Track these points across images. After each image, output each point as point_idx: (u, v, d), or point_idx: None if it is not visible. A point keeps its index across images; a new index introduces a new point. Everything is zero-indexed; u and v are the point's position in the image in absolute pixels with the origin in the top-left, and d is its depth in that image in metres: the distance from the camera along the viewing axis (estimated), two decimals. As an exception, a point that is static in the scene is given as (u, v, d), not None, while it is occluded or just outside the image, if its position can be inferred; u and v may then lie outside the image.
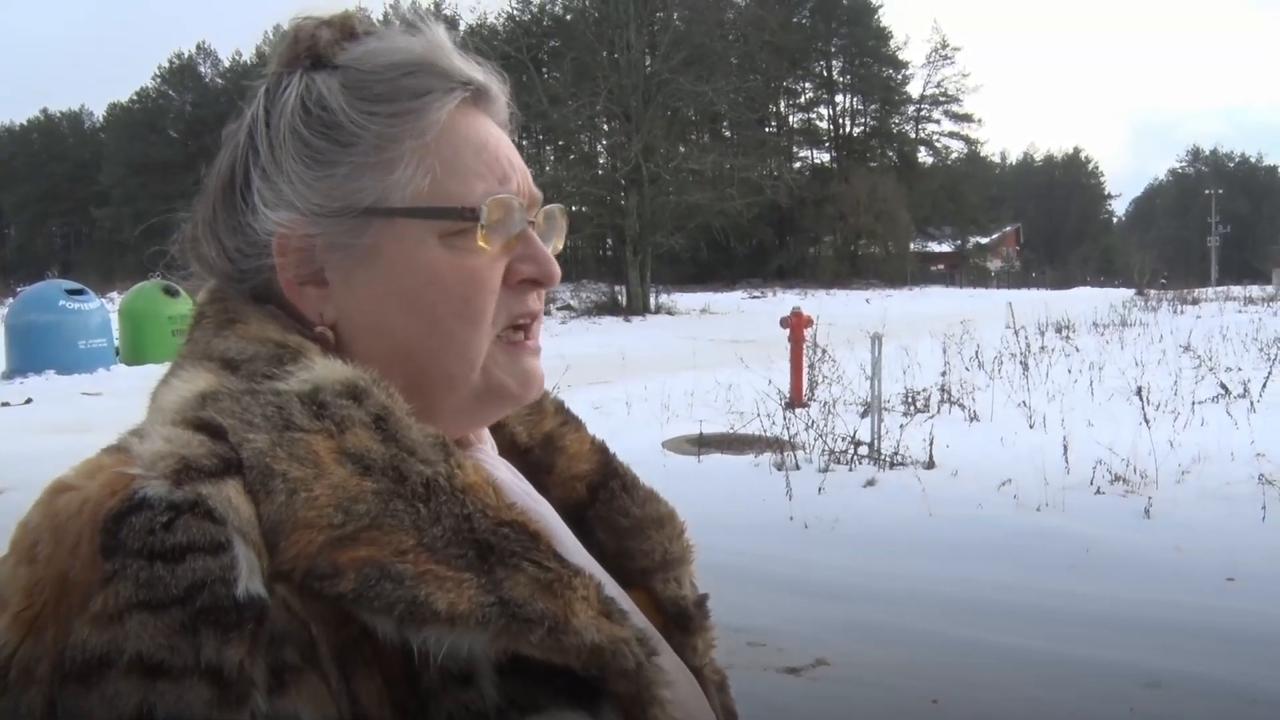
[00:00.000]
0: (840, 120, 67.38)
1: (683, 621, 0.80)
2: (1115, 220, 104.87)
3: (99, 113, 79.60)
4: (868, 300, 33.68)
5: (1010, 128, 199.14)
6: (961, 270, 61.90)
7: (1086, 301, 27.10)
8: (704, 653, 0.81)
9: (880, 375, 7.91)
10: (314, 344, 0.69)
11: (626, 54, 34.67)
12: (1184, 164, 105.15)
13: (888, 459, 7.19)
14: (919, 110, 66.49)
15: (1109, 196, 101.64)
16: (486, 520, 0.63)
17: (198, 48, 72.72)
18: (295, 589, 0.58)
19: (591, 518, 0.82)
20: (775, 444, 7.48)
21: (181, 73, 71.59)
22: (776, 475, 6.78)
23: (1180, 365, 11.65)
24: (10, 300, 19.59)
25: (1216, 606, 4.59)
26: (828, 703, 3.82)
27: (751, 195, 35.68)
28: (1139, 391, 8.30)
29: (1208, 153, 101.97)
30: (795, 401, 9.48)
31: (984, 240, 66.88)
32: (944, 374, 10.13)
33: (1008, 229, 73.12)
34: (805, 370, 10.07)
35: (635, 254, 33.55)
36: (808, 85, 66.50)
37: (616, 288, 33.89)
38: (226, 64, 71.69)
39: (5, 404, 11.56)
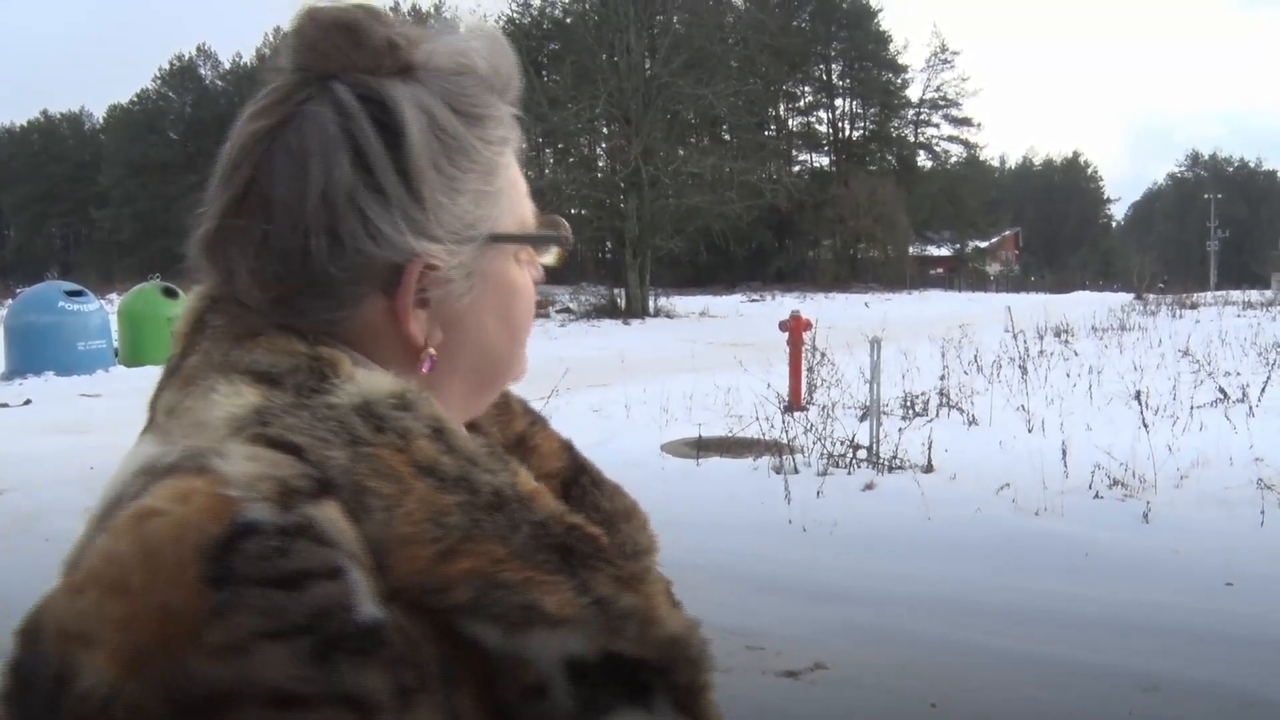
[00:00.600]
0: (840, 124, 67.52)
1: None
2: (1114, 224, 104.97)
3: (99, 114, 79.78)
4: (867, 304, 33.70)
5: (1009, 131, 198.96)
6: (960, 274, 62.01)
7: (1085, 305, 27.15)
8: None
9: (879, 379, 7.91)
10: (344, 355, 0.68)
11: (626, 57, 34.68)
12: (1183, 168, 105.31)
13: (886, 462, 7.19)
14: (918, 114, 66.61)
15: (1108, 200, 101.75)
16: (558, 524, 0.64)
17: (198, 49, 72.86)
18: (403, 609, 0.58)
19: None
20: (774, 447, 7.49)
21: (182, 74, 71.69)
22: (775, 478, 6.78)
23: (1179, 370, 11.67)
24: (9, 301, 19.59)
25: (1215, 610, 4.59)
26: (826, 706, 3.82)
27: (751, 198, 35.66)
28: (1138, 396, 8.31)
29: (1207, 157, 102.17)
30: (794, 405, 9.48)
31: (983, 244, 66.95)
32: (943, 378, 10.13)
33: (1007, 233, 73.17)
34: (804, 374, 10.07)
35: (634, 257, 33.54)
36: (807, 89, 66.63)
37: (615, 290, 33.86)
38: (227, 66, 71.78)
39: (4, 405, 11.54)
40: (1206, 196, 79.41)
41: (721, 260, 50.30)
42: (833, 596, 4.96)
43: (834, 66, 66.40)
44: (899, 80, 65.92)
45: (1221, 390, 9.81)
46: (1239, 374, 11.18)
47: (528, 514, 0.63)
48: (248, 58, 67.88)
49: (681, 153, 38.13)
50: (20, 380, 13.60)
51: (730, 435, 8.25)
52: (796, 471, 7.04)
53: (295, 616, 0.53)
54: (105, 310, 16.02)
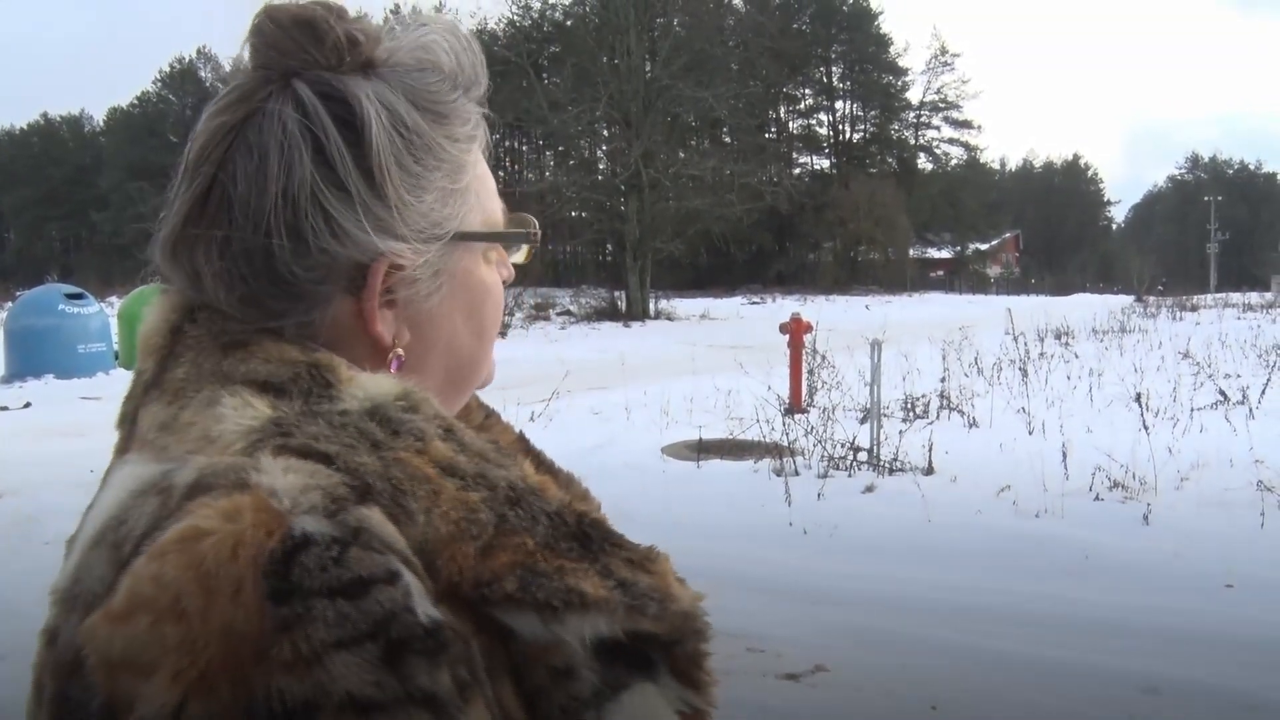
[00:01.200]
0: (840, 126, 67.58)
1: None
2: (1114, 227, 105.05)
3: (99, 117, 79.71)
4: (867, 306, 33.72)
5: (1010, 134, 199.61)
6: (961, 276, 62.07)
7: (1085, 308, 27.16)
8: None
9: (879, 381, 7.91)
10: (340, 359, 0.67)
11: (627, 60, 34.72)
12: (1183, 171, 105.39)
13: (887, 465, 7.19)
14: (919, 116, 66.70)
15: (1108, 203, 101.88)
16: (570, 514, 0.66)
17: (198, 52, 72.81)
18: (452, 607, 0.59)
19: None
20: (774, 450, 7.49)
21: (182, 77, 71.69)
22: (776, 481, 6.78)
23: (1179, 372, 11.67)
24: (9, 304, 19.58)
25: (1215, 613, 4.59)
26: (827, 708, 3.82)
27: (751, 201, 35.72)
28: (1138, 398, 8.31)
29: (1207, 159, 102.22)
30: (794, 407, 9.48)
31: (983, 246, 67.02)
32: (943, 380, 10.13)
33: (1007, 235, 73.23)
34: (804, 376, 10.07)
35: (635, 259, 33.54)
36: (808, 91, 66.69)
37: (616, 293, 33.86)
38: (227, 68, 71.46)
39: (4, 408, 11.55)
40: (1206, 199, 79.37)
41: (722, 263, 50.35)
42: (833, 599, 4.95)
43: (834, 69, 66.47)
44: (899, 83, 66.02)
45: (1222, 392, 9.81)
46: (1239, 376, 11.18)
47: (543, 505, 0.65)
48: (247, 60, 67.90)
49: (682, 155, 38.19)
50: (20, 383, 13.60)
51: (731, 438, 8.25)
52: (797, 474, 7.04)
53: (361, 624, 0.53)
54: (105, 313, 16.01)
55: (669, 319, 31.52)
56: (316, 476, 0.58)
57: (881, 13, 65.52)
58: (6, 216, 76.66)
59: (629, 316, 31.11)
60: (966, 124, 66.64)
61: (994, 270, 66.49)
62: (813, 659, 4.18)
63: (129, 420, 0.68)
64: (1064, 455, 6.60)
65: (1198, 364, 11.91)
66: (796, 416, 8.69)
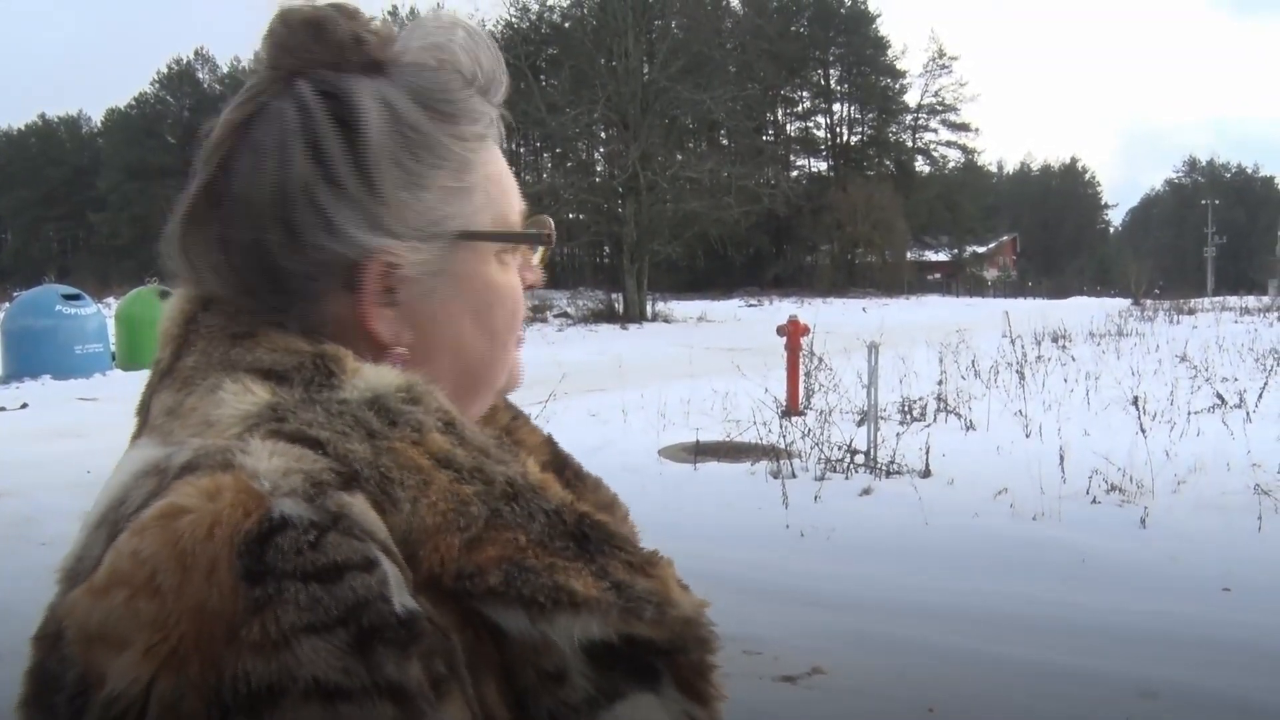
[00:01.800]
0: (838, 129, 67.62)
1: None
2: (1112, 230, 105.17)
3: (97, 118, 79.69)
4: (864, 309, 33.69)
5: (1007, 137, 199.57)
6: (958, 279, 62.08)
7: (1083, 311, 27.20)
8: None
9: (877, 384, 7.91)
10: (348, 351, 0.67)
11: (624, 62, 34.72)
12: (1180, 174, 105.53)
13: (884, 468, 7.19)
14: (916, 119, 66.78)
15: (1105, 206, 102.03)
16: (570, 513, 0.65)
17: (195, 53, 72.93)
18: (432, 599, 0.58)
19: None
20: (771, 452, 7.49)
21: (179, 78, 71.72)
22: (773, 483, 6.78)
23: (1176, 375, 11.68)
24: (6, 305, 19.56)
25: (1212, 616, 4.59)
26: (824, 711, 3.82)
27: (749, 203, 35.70)
28: (1135, 401, 8.32)
29: (1204, 163, 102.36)
30: (792, 410, 9.48)
31: (981, 249, 67.06)
32: (940, 383, 10.13)
33: (1004, 238, 73.28)
34: (802, 379, 10.07)
35: (632, 262, 33.55)
36: (805, 94, 66.72)
37: (613, 295, 33.88)
38: (225, 69, 71.75)
39: (1, 409, 11.53)
40: (1204, 202, 79.55)
41: (719, 265, 50.29)
42: (830, 602, 4.95)
43: (832, 71, 66.53)
44: (897, 85, 66.08)
45: (1219, 396, 9.82)
46: (1236, 379, 11.20)
47: (541, 503, 0.64)
48: (246, 61, 67.95)
49: (679, 158, 38.19)
50: (17, 384, 13.57)
51: (728, 440, 8.24)
52: (794, 476, 7.04)
53: (333, 609, 0.53)
54: (102, 314, 16.00)
55: (666, 321, 31.54)
56: (303, 461, 0.58)
57: (879, 15, 65.73)
58: (4, 217, 76.53)
59: (626, 319, 31.13)
60: (964, 127, 66.79)
61: (991, 273, 66.53)
62: (809, 661, 4.18)
63: (145, 408, 0.69)
64: (1061, 458, 6.60)
65: (1195, 367, 11.93)
66: (793, 419, 8.70)
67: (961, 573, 5.25)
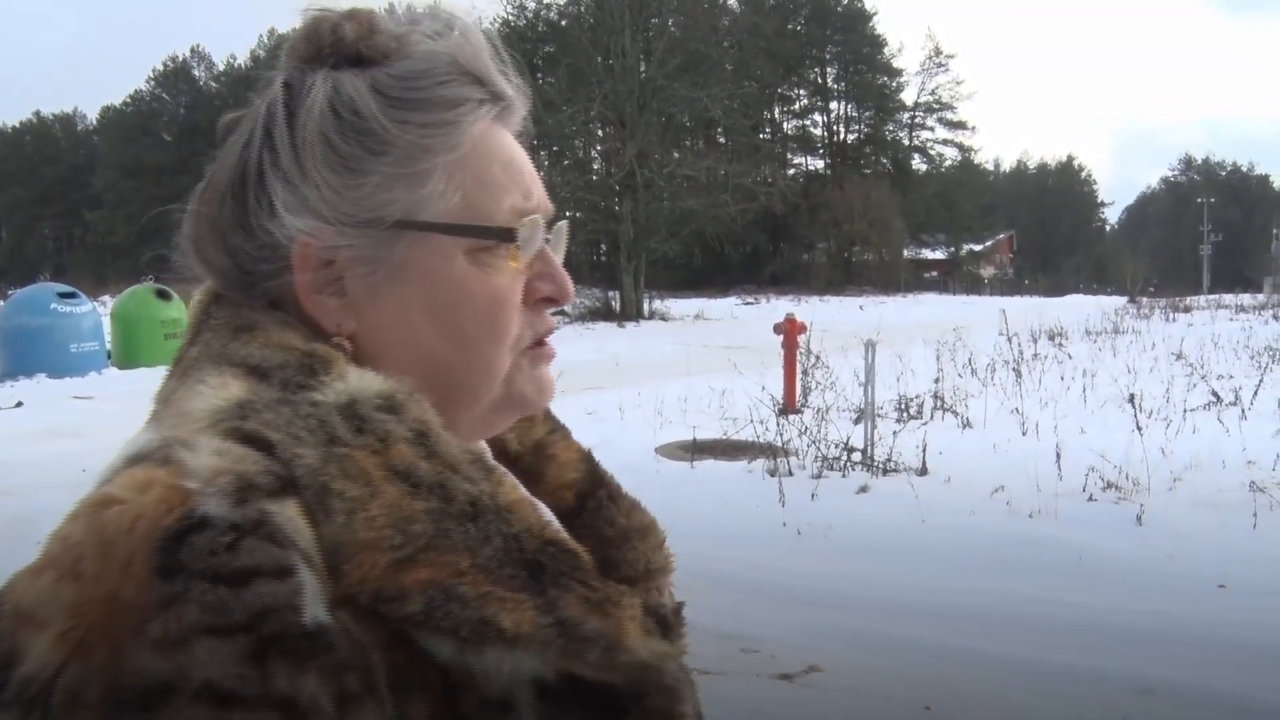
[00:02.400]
0: (834, 127, 67.61)
1: (663, 629, 0.80)
2: (1108, 228, 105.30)
3: (92, 115, 79.68)
4: (861, 307, 33.74)
5: (1004, 135, 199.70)
6: (955, 277, 62.10)
7: (1079, 309, 27.20)
8: (679, 658, 0.83)
9: (874, 382, 7.91)
10: (340, 354, 0.67)
11: (621, 60, 34.70)
12: (1175, 172, 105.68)
13: (881, 466, 7.19)
14: (913, 117, 66.75)
15: (1101, 205, 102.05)
16: (533, 539, 0.62)
17: (191, 51, 72.88)
18: (354, 614, 0.57)
19: (578, 526, 0.80)
20: (768, 450, 7.49)
21: (175, 76, 71.64)
22: (770, 481, 6.78)
23: (1172, 373, 11.68)
24: (2, 303, 19.53)
25: (1208, 614, 4.60)
26: (821, 709, 3.82)
27: (745, 202, 35.69)
28: (1131, 399, 8.31)
29: (1199, 162, 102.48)
30: (788, 408, 9.49)
31: (977, 247, 67.08)
32: (937, 381, 10.14)
33: (1001, 236, 73.32)
34: (799, 377, 10.08)
35: (629, 260, 33.54)
36: (802, 92, 66.73)
37: (610, 293, 33.88)
38: (220, 67, 71.72)
39: (-4, 407, 11.51)
40: (1199, 201, 79.64)
41: (716, 263, 50.28)
42: (827, 600, 4.96)
43: (829, 70, 66.52)
44: (894, 84, 66.06)
45: (1214, 393, 9.83)
46: (1232, 377, 11.20)
47: (503, 526, 0.61)
48: (242, 59, 67.88)
49: (676, 156, 38.18)
50: (12, 382, 13.57)
51: (725, 438, 8.24)
52: (791, 474, 7.04)
53: (237, 614, 0.53)
54: (98, 312, 15.99)
55: (663, 319, 31.54)
56: (242, 462, 0.58)
57: (876, 14, 65.68)
58: (-1, 215, 76.45)
59: (623, 317, 31.13)
60: (960, 125, 66.77)
61: (988, 271, 66.56)
62: (806, 659, 4.18)
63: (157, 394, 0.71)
64: (1058, 456, 6.61)
65: (1191, 365, 11.93)
66: (790, 417, 8.70)
67: (958, 571, 5.25)
